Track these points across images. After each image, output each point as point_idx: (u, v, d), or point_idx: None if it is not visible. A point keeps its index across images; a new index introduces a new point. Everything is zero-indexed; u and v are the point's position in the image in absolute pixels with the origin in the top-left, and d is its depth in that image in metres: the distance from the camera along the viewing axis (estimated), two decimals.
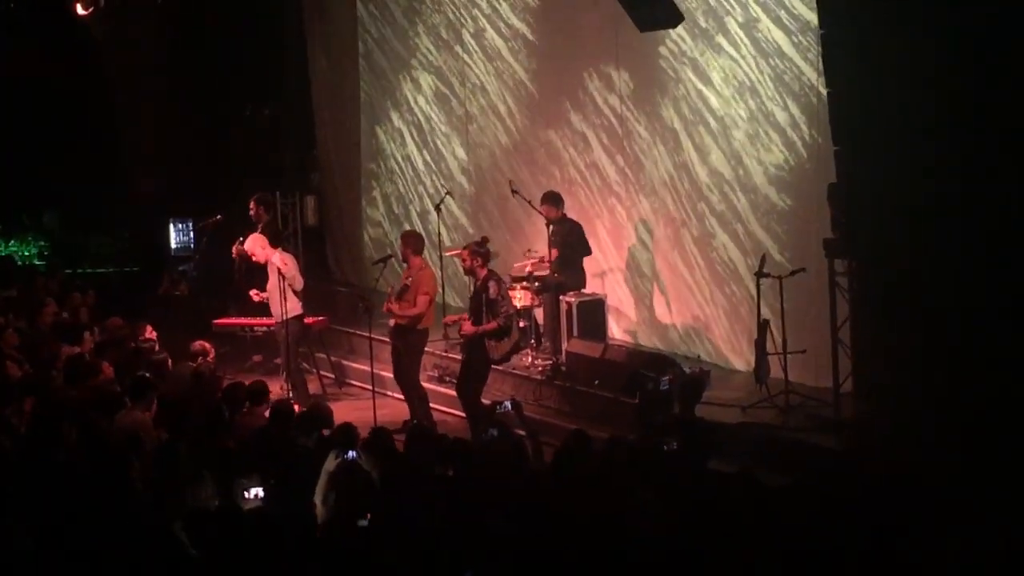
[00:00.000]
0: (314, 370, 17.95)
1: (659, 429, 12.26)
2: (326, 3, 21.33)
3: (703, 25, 15.76)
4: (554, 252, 16.36)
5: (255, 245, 16.89)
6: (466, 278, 15.93)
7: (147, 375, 13.43)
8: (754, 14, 15.19)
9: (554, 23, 17.96)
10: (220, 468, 10.47)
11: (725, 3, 15.51)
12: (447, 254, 17.56)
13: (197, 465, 10.43)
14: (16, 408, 12.77)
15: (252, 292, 17.27)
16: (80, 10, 16.28)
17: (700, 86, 16.07)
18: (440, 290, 16.89)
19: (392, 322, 15.63)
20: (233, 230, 19.08)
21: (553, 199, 16.53)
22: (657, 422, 12.96)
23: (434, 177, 20.34)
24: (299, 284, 16.64)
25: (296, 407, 13.59)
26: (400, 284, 15.68)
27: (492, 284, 14.80)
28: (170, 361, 15.13)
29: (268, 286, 16.70)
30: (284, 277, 16.33)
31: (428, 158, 20.50)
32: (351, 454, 10.33)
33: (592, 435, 11.18)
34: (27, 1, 15.05)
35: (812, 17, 13.92)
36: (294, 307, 16.57)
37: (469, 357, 15.16)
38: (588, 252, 16.58)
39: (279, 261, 16.51)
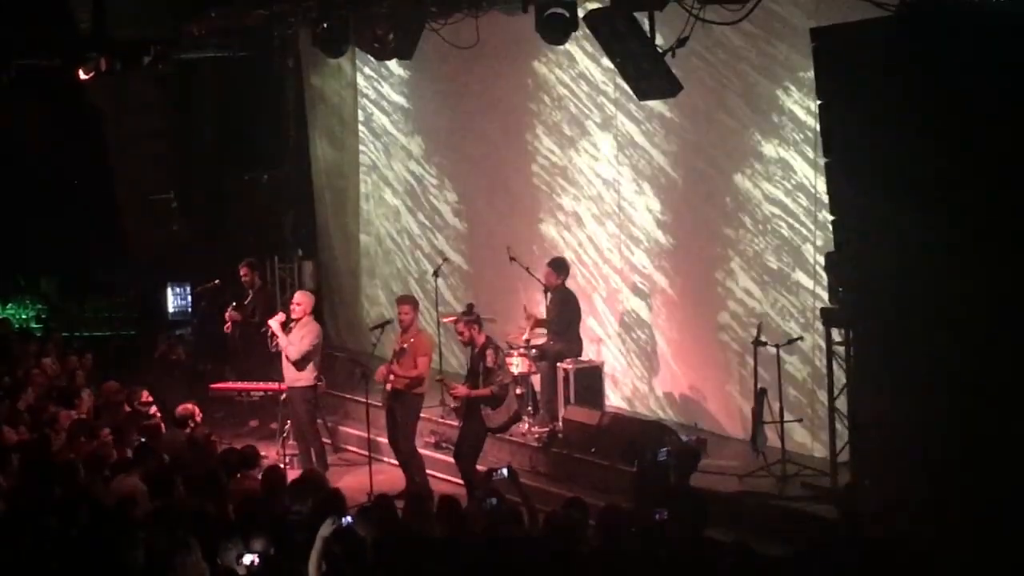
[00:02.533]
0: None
1: (655, 498, 12.21)
2: (326, 71, 21.40)
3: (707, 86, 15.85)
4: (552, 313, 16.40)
5: (309, 302, 16.91)
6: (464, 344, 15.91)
7: (144, 440, 13.42)
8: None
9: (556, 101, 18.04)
10: (213, 534, 10.42)
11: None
12: (444, 320, 17.56)
13: (189, 531, 10.38)
14: (9, 471, 12.75)
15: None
16: (82, 75, 16.34)
17: (690, 160, 16.13)
18: (437, 355, 16.91)
19: (388, 386, 15.62)
20: (230, 295, 19.16)
21: (558, 265, 16.54)
22: (653, 491, 12.90)
23: (431, 241, 20.35)
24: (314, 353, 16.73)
25: (288, 473, 13.56)
26: (397, 347, 15.69)
27: (490, 352, 14.87)
28: (163, 426, 15.11)
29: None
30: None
31: (425, 223, 20.52)
32: (347, 520, 10.29)
33: (588, 503, 11.14)
34: (28, 65, 15.12)
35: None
36: (309, 376, 16.60)
37: (466, 425, 15.21)
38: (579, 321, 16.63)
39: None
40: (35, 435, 14.79)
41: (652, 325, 16.96)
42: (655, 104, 15.93)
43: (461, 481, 15.12)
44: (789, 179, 15.06)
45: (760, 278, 15.52)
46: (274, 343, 16.75)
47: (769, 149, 15.23)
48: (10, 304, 23.84)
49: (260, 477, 12.61)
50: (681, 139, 16.29)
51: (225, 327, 19.01)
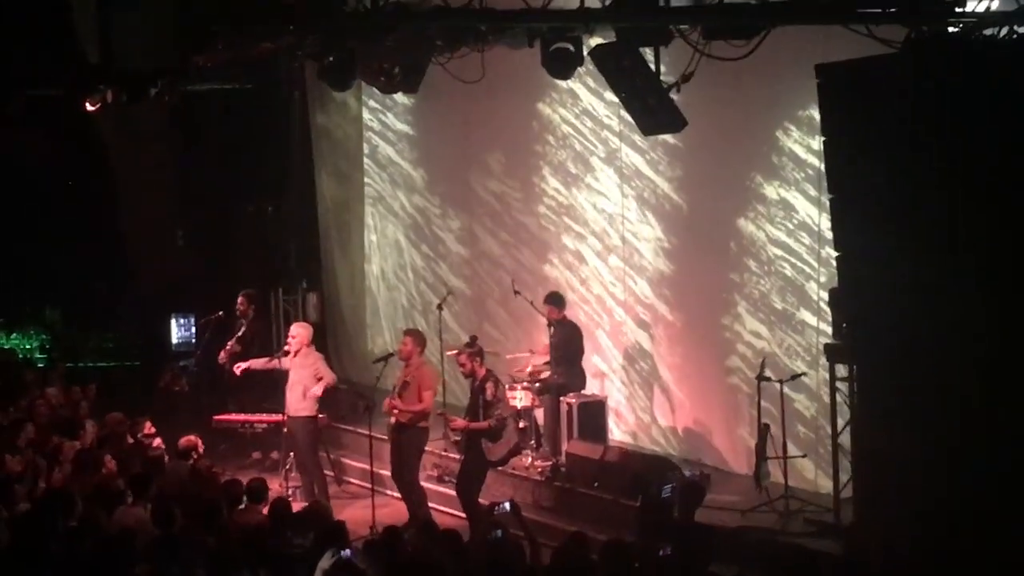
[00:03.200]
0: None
1: (659, 533, 12.20)
2: (332, 104, 21.45)
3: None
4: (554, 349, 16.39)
5: (307, 334, 16.95)
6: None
7: (146, 472, 13.41)
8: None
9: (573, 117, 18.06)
10: (215, 565, 10.42)
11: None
12: (448, 353, 17.56)
13: (191, 562, 10.38)
14: (13, 502, 12.75)
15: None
16: (88, 106, 16.37)
17: (694, 187, 16.17)
18: (441, 388, 16.93)
19: (392, 420, 15.62)
20: (234, 326, 19.19)
21: (555, 300, 16.60)
22: (657, 526, 12.88)
23: (436, 273, 20.38)
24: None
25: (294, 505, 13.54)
26: (400, 381, 15.69)
27: (489, 385, 14.90)
28: (167, 457, 15.10)
29: (291, 380, 16.76)
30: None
31: (429, 254, 20.55)
32: (346, 553, 10.29)
33: (590, 537, 11.13)
34: (35, 96, 15.16)
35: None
36: (310, 406, 16.62)
37: (466, 458, 15.23)
38: (581, 355, 16.63)
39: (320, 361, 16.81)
40: (39, 466, 14.82)
41: (655, 359, 16.95)
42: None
43: (463, 514, 15.11)
44: (791, 218, 15.08)
45: (766, 318, 15.53)
46: (274, 361, 16.90)
47: (771, 190, 15.25)
48: (14, 334, 23.86)
49: (265, 509, 12.59)
50: (686, 165, 16.31)
51: (219, 358, 19.05)
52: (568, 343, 16.44)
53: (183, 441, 15.11)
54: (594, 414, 16.34)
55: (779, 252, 15.25)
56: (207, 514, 12.07)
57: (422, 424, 15.61)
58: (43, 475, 14.31)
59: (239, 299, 19.45)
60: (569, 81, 15.31)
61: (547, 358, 16.67)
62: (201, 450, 15.19)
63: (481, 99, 18.19)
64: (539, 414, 16.62)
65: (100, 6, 10.12)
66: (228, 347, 18.81)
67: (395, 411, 15.52)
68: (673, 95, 12.97)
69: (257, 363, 17.72)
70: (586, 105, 17.43)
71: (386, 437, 15.99)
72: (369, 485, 16.08)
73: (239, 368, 17.76)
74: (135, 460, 14.67)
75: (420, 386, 15.47)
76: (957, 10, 11.72)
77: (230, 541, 11.50)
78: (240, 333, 19.13)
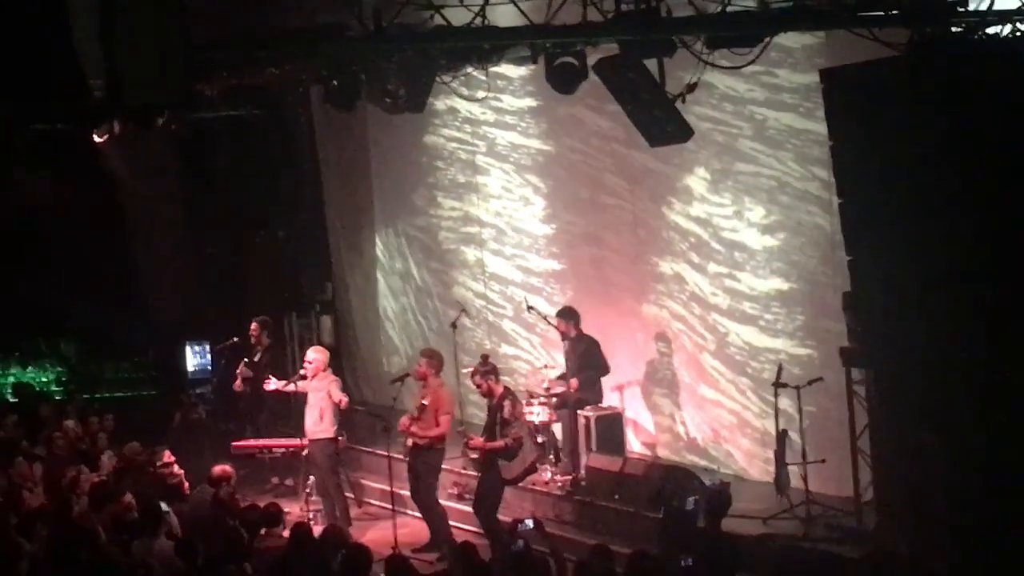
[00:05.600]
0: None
1: (681, 544, 12.19)
2: (338, 125, 21.48)
3: (718, 140, 15.89)
4: (574, 381, 16.36)
5: (323, 358, 17.00)
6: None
7: (161, 504, 13.40)
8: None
9: (566, 134, 18.03)
10: None
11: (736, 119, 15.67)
12: (464, 370, 17.56)
13: None
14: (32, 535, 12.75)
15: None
16: (96, 138, 16.44)
17: (710, 195, 16.18)
18: (459, 407, 16.98)
19: (409, 442, 15.64)
20: (250, 353, 19.22)
21: (569, 315, 16.59)
22: (679, 537, 12.87)
23: (448, 292, 20.40)
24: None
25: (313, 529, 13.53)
26: (417, 403, 15.71)
27: (507, 404, 14.91)
28: (187, 485, 15.09)
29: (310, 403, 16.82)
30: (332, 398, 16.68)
31: (441, 273, 20.57)
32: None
33: (613, 550, 11.13)
34: (43, 131, 15.20)
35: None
36: (328, 429, 16.64)
37: (484, 476, 15.24)
38: (606, 371, 16.58)
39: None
40: (57, 499, 14.84)
41: (672, 369, 16.94)
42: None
43: (483, 532, 15.12)
44: (802, 226, 15.09)
45: (780, 323, 15.53)
46: (291, 385, 16.94)
47: (784, 197, 15.26)
48: (30, 368, 23.91)
49: (285, 534, 12.59)
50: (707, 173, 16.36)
51: (235, 384, 19.07)
52: (585, 357, 16.42)
53: (217, 470, 15.04)
54: (612, 427, 16.33)
55: (796, 258, 15.25)
56: (229, 543, 12.06)
57: (439, 445, 15.62)
58: (61, 509, 14.30)
59: (252, 326, 19.49)
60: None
61: (563, 372, 16.65)
62: (233, 479, 15.16)
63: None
64: (557, 429, 16.62)
65: (105, 40, 10.15)
66: (240, 372, 18.81)
67: (411, 433, 15.54)
68: (679, 106, 12.98)
69: (280, 385, 17.69)
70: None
71: (404, 457, 15.99)
72: (389, 506, 16.10)
73: (267, 385, 17.70)
74: (154, 490, 14.66)
75: (437, 410, 15.48)
76: (959, 9, 11.74)
77: (247, 568, 11.51)
78: (256, 359, 19.14)
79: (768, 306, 15.64)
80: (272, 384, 17.81)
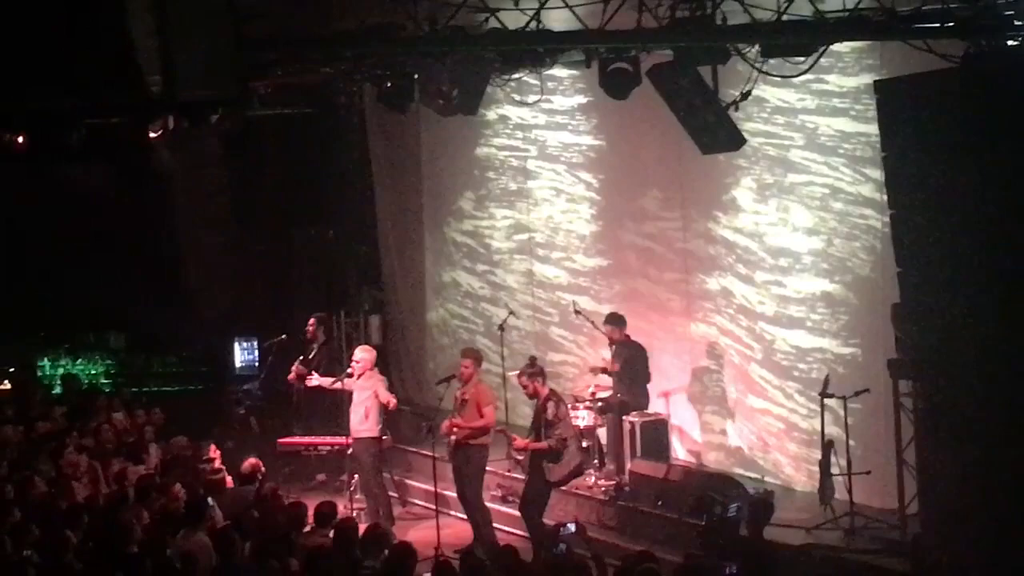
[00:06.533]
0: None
1: (723, 552, 12.19)
2: (389, 124, 21.54)
3: (771, 153, 15.88)
4: (615, 366, 16.37)
5: (371, 358, 17.07)
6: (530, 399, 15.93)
7: (206, 497, 13.47)
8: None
9: (618, 145, 18.05)
10: None
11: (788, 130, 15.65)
12: (511, 373, 17.59)
13: None
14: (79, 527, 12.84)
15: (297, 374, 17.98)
16: (151, 133, 16.53)
17: (757, 206, 16.17)
18: (504, 408, 17.01)
19: (453, 441, 15.67)
20: (298, 349, 19.29)
21: (616, 320, 16.61)
22: (722, 545, 12.86)
23: (496, 294, 20.43)
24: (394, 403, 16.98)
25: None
26: (458, 401, 15.76)
27: (551, 405, 14.92)
28: (229, 480, 15.17)
29: (355, 402, 16.89)
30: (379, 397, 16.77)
31: (493, 278, 20.60)
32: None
33: (658, 557, 11.12)
34: (97, 125, 15.29)
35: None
36: (373, 428, 16.71)
37: (529, 478, 15.26)
38: (647, 380, 16.60)
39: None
40: (105, 491, 14.95)
41: (720, 377, 16.92)
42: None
43: (527, 534, 15.13)
44: (855, 230, 15.06)
45: (826, 323, 15.49)
46: (338, 383, 17.03)
47: (837, 203, 15.22)
48: (80, 360, 24.08)
49: (331, 532, 12.62)
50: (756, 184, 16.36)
51: (290, 377, 19.12)
52: (631, 362, 16.43)
53: (245, 465, 15.17)
54: (656, 433, 16.32)
55: (842, 256, 15.21)
56: (274, 538, 12.11)
57: (481, 442, 15.66)
58: (109, 501, 14.40)
59: (310, 322, 19.59)
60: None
61: (609, 378, 16.67)
62: (263, 471, 15.23)
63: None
64: (602, 434, 16.63)
65: (161, 37, 10.22)
66: (295, 369, 18.86)
67: (454, 432, 15.58)
68: (732, 114, 12.98)
69: (324, 382, 17.85)
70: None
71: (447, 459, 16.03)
72: (433, 506, 16.12)
73: (308, 381, 17.91)
74: (198, 485, 14.75)
75: (479, 403, 15.54)
76: (1015, 23, 11.69)
77: (291, 564, 11.54)
78: (310, 356, 19.20)
79: (814, 306, 15.61)
80: (315, 380, 17.94)
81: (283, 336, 20.08)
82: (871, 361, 14.70)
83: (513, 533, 15.78)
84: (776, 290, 16.05)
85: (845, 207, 15.13)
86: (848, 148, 14.99)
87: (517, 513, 15.58)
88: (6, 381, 22.22)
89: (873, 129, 13.32)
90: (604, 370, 16.65)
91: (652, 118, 15.39)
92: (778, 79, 13.47)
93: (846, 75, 14.85)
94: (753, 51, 12.64)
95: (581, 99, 18.41)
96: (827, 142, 15.24)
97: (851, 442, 14.31)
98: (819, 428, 14.54)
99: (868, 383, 14.44)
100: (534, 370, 15.40)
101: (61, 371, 23.69)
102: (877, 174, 13.94)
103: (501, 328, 18.45)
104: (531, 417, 15.52)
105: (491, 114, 19.76)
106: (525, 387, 15.35)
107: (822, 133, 15.29)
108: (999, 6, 11.77)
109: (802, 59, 12.54)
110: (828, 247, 15.36)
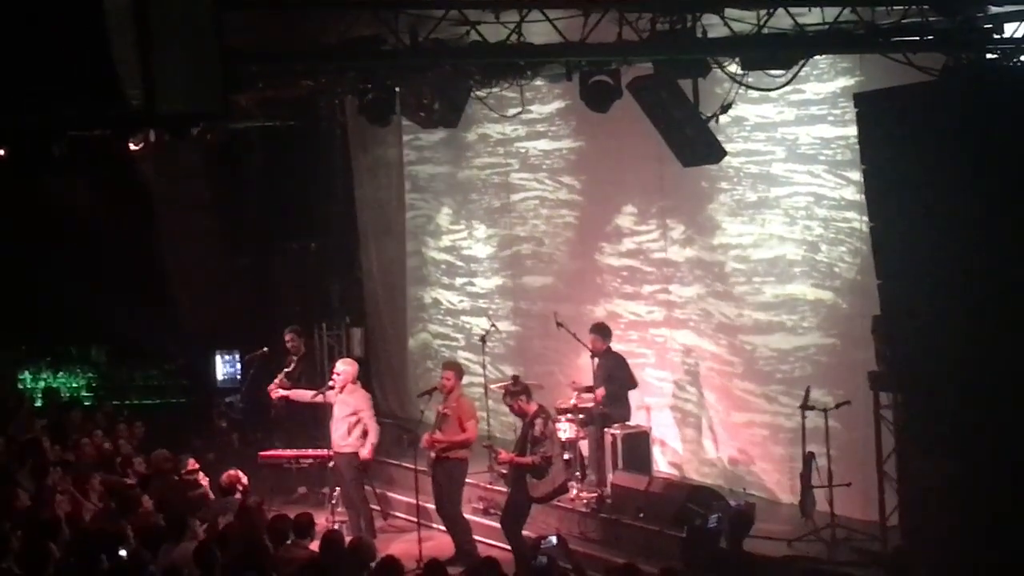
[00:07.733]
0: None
1: (704, 564, 12.19)
2: (371, 137, 21.55)
3: (752, 171, 15.92)
4: (600, 391, 16.36)
5: (352, 371, 17.02)
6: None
7: (183, 511, 13.43)
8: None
9: (599, 141, 18.04)
10: None
11: (768, 144, 15.68)
12: (493, 385, 17.58)
13: None
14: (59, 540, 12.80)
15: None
16: (132, 146, 16.53)
17: (740, 220, 16.20)
18: (485, 421, 16.99)
19: (433, 455, 15.68)
20: (285, 361, 19.25)
21: (601, 331, 16.60)
22: (702, 556, 12.87)
23: (479, 308, 20.43)
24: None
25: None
26: (439, 414, 15.76)
27: (539, 422, 14.92)
28: (211, 494, 15.14)
29: (336, 415, 16.86)
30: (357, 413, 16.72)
31: (473, 289, 20.61)
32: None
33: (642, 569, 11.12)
34: (78, 138, 15.29)
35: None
36: (355, 442, 16.69)
37: (511, 491, 15.27)
38: (634, 385, 16.61)
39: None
40: (84, 505, 14.90)
41: (700, 389, 16.94)
42: None
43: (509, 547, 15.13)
44: (840, 234, 15.10)
45: (807, 320, 15.52)
46: (319, 396, 16.99)
47: (820, 209, 15.26)
48: (61, 373, 24.03)
49: (313, 545, 12.59)
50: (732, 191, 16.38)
51: (271, 393, 19.07)
52: (613, 374, 16.43)
53: (224, 477, 15.16)
54: (638, 445, 16.33)
55: (827, 268, 15.27)
56: (254, 551, 12.08)
57: (461, 455, 15.67)
58: (89, 513, 14.36)
59: (288, 335, 19.52)
60: None
61: (590, 386, 16.66)
62: (245, 483, 15.21)
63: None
64: (584, 446, 16.63)
65: (141, 49, 10.21)
66: (277, 382, 18.83)
67: (435, 446, 15.58)
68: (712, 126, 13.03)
69: (302, 395, 17.78)
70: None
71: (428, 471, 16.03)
72: (415, 519, 16.12)
73: (278, 394, 17.88)
74: (179, 498, 14.71)
75: (461, 417, 15.56)
76: (995, 36, 11.75)
77: None
78: (290, 368, 19.17)
79: (794, 308, 15.63)
80: (283, 392, 17.90)
81: (265, 349, 20.06)
82: (851, 374, 14.70)
83: (495, 545, 15.74)
84: (753, 298, 16.09)
85: (828, 212, 15.16)
86: (828, 154, 15.06)
87: (498, 525, 15.57)
88: None
89: (852, 132, 13.39)
90: (589, 389, 16.62)
91: (632, 124, 15.42)
92: (757, 96, 13.52)
93: (822, 82, 14.95)
94: (733, 64, 12.69)
95: (559, 104, 18.45)
96: (807, 151, 15.30)
97: (832, 454, 14.33)
98: (800, 442, 14.53)
99: (849, 394, 14.47)
100: (516, 388, 15.35)
101: (43, 384, 23.64)
102: (857, 175, 13.96)
103: (483, 339, 18.45)
104: (513, 427, 15.50)
105: (471, 135, 19.80)
106: (511, 408, 15.35)
107: (802, 143, 15.35)
108: (978, 20, 11.83)
109: (781, 72, 12.58)
110: (815, 254, 15.37)
